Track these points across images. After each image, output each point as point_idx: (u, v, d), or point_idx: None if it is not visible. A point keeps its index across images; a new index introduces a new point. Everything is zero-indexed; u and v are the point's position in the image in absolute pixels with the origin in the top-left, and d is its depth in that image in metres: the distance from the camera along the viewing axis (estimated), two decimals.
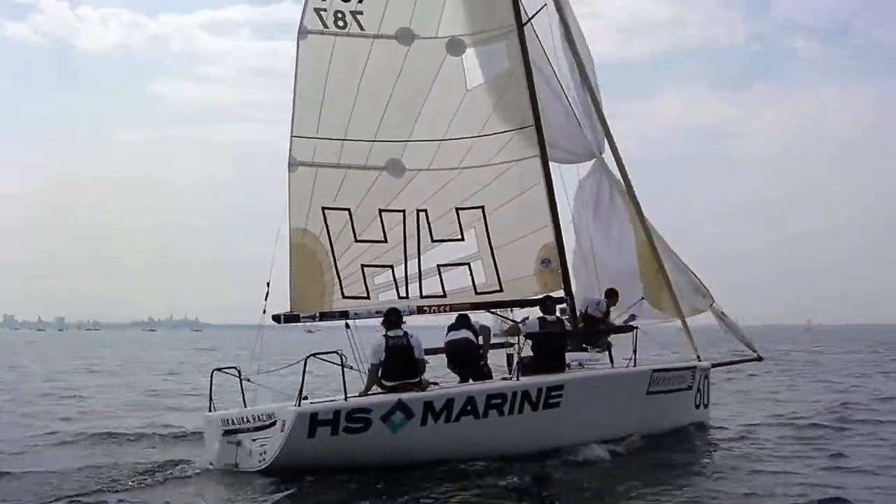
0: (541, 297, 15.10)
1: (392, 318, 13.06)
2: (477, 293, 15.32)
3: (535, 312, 14.96)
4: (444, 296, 15.11)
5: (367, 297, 14.65)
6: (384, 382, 12.71)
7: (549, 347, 14.17)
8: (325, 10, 15.05)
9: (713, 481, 12.25)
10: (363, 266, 14.73)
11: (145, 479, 12.02)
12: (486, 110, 15.70)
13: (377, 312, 14.07)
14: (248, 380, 13.52)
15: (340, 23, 15.13)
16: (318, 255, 14.45)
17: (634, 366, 14.73)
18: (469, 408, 12.54)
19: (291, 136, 14.63)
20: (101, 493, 11.35)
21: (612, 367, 15.01)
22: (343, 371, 12.05)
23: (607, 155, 17.00)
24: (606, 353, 15.77)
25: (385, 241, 14.92)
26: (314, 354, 12.06)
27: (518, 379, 13.21)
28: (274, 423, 12.31)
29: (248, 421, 13.01)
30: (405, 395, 12.28)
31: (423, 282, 15.02)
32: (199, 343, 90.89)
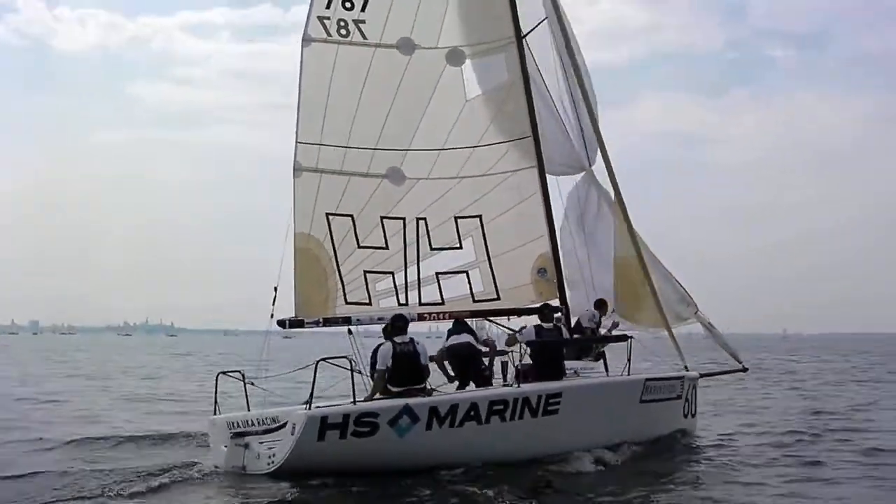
0: (539, 305, 15.33)
1: (399, 324, 13.23)
2: (474, 301, 15.55)
3: (533, 321, 15.19)
4: (443, 303, 15.33)
5: (369, 304, 14.84)
6: (390, 388, 12.86)
7: (547, 355, 14.43)
8: (328, 18, 15.24)
9: (692, 490, 12.43)
10: (365, 272, 14.92)
11: (153, 482, 12.01)
12: (484, 121, 15.95)
13: (379, 319, 14.26)
14: (252, 383, 13.62)
15: (343, 31, 15.33)
16: (321, 261, 14.62)
17: (629, 374, 15.00)
18: (472, 413, 12.75)
19: (296, 143, 14.82)
20: (109, 495, 11.39)
21: (608, 375, 15.27)
22: (352, 375, 12.17)
23: (598, 167, 17.31)
24: (600, 361, 16.09)
25: (386, 247, 15.12)
26: (324, 359, 12.20)
27: (519, 386, 13.43)
28: (281, 427, 12.42)
29: (254, 424, 13.10)
30: (412, 400, 12.46)
31: (422, 289, 15.24)
32: (175, 348, 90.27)
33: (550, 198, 16.21)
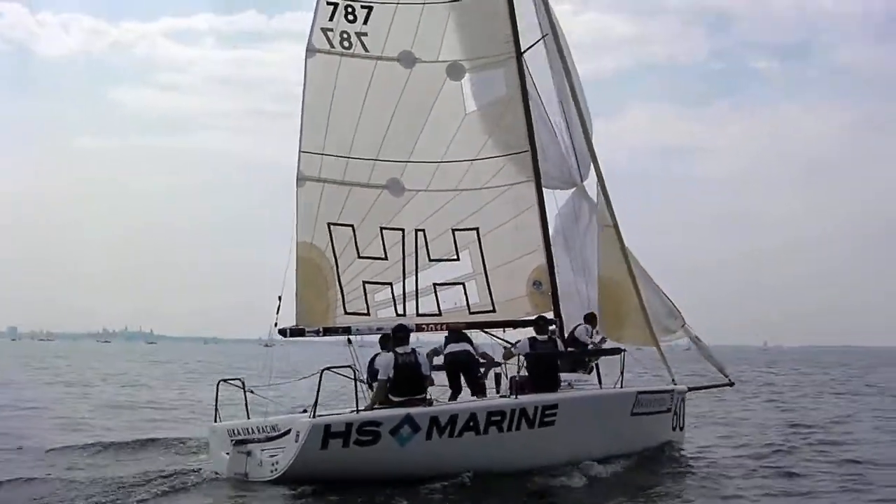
0: (534, 317, 15.54)
1: (400, 334, 13.39)
2: (471, 313, 15.73)
3: (528, 333, 15.37)
4: (440, 314, 15.49)
5: (368, 314, 15.01)
6: (391, 398, 13.01)
7: (542, 367, 14.64)
8: (331, 30, 15.44)
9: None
10: (364, 282, 15.08)
11: (155, 489, 12.12)
12: (482, 135, 16.15)
13: (378, 329, 14.42)
14: (252, 391, 13.74)
15: (346, 43, 15.53)
16: (323, 270, 14.79)
17: (622, 387, 15.23)
18: (471, 423, 12.91)
19: (299, 152, 15.02)
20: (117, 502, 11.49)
21: (601, 387, 15.50)
22: (356, 384, 12.33)
23: (589, 183, 17.55)
24: (591, 374, 16.29)
25: (385, 258, 15.29)
26: (329, 368, 12.35)
27: (517, 397, 13.62)
28: (284, 435, 12.54)
29: (254, 432, 13.21)
30: (413, 410, 12.62)
31: (419, 300, 15.41)
32: (154, 356, 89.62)
33: (547, 211, 16.43)
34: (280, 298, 14.10)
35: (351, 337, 14.80)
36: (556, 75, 17.03)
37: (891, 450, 17.75)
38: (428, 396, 13.23)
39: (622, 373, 15.21)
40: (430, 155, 15.85)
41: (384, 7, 15.75)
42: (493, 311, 15.86)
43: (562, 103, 17.25)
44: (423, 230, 15.62)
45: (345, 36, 15.50)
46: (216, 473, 13.17)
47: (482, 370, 14.79)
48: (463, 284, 15.79)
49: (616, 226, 16.64)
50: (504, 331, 15.97)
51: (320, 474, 12.08)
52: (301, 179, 14.96)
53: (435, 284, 15.57)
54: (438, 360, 14.72)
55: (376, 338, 14.80)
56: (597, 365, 16.28)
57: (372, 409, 12.90)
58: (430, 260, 15.61)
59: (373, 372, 13.74)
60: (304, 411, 14.53)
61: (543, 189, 16.45)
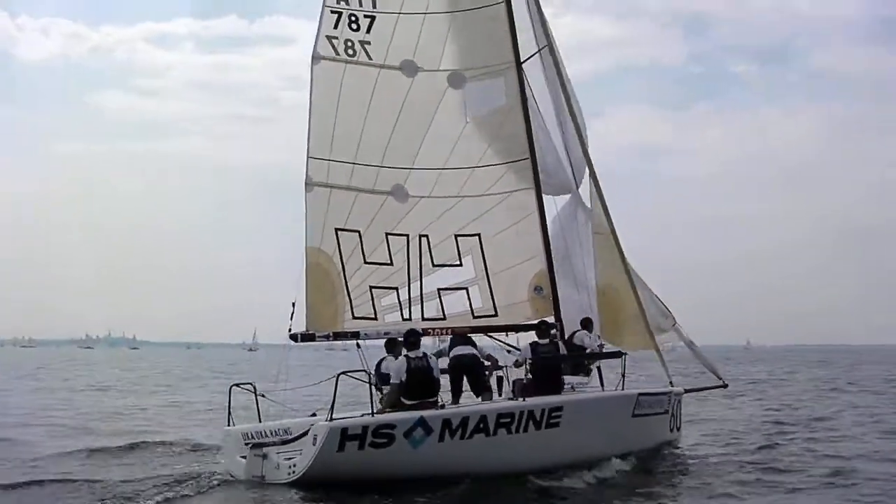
0: (536, 321, 15.82)
1: (412, 339, 13.59)
2: (474, 317, 15.98)
3: (531, 336, 15.68)
4: (444, 318, 15.73)
5: (375, 319, 15.21)
6: (404, 401, 13.21)
7: (546, 371, 14.94)
8: (336, 38, 15.67)
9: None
10: (371, 287, 15.29)
11: (172, 492, 12.22)
12: (483, 143, 16.42)
13: (386, 333, 14.64)
14: (263, 395, 13.92)
15: (350, 51, 15.75)
16: (331, 276, 14.97)
17: (623, 389, 15.54)
18: (481, 426, 13.14)
19: (307, 157, 15.22)
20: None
21: (603, 390, 15.81)
22: (371, 388, 12.53)
23: (584, 189, 17.86)
24: (589, 377, 16.58)
25: (391, 263, 15.51)
26: (344, 373, 12.55)
27: (524, 400, 13.88)
28: (298, 438, 12.71)
29: (267, 435, 13.36)
30: (426, 413, 12.82)
31: (424, 305, 15.64)
32: (138, 361, 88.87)
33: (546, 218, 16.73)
34: (294, 304, 14.29)
35: (353, 341, 14.96)
36: (551, 85, 17.34)
37: (874, 445, 18.17)
38: (440, 400, 13.46)
39: (623, 375, 15.53)
40: (433, 162, 16.10)
41: (386, 17, 16.00)
42: (496, 315, 16.12)
43: (557, 112, 17.57)
44: (427, 236, 15.86)
45: (349, 44, 15.73)
46: (231, 476, 13.32)
47: (487, 373, 15.07)
48: (466, 289, 16.04)
49: (613, 232, 16.95)
50: (507, 335, 16.23)
51: (336, 476, 12.23)
52: (309, 185, 15.16)
53: (439, 289, 15.81)
54: (441, 362, 14.97)
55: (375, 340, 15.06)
56: (598, 368, 16.57)
57: (384, 412, 13.11)
58: (434, 265, 15.86)
59: (380, 376, 13.96)
60: (314, 415, 14.76)
61: (545, 195, 16.76)
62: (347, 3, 15.75)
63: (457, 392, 14.81)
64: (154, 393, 36.37)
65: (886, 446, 17.90)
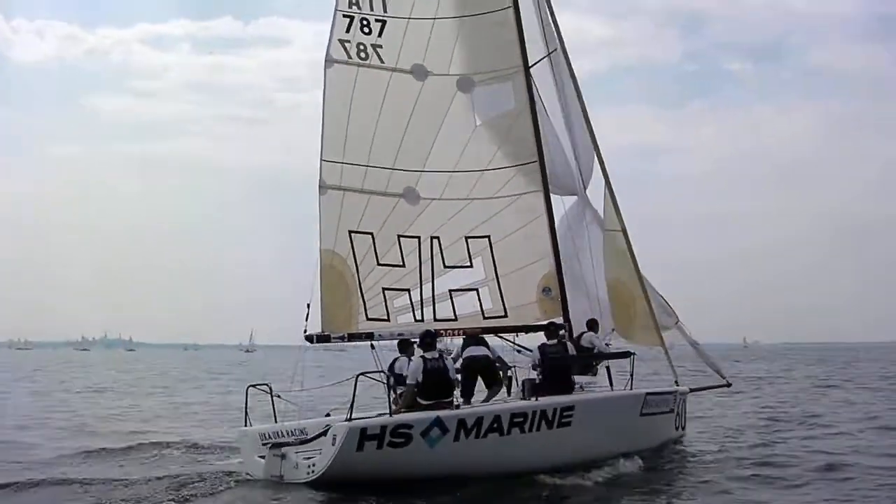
0: (545, 322, 16.05)
1: (428, 340, 13.80)
2: (484, 318, 16.20)
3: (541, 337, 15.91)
4: (456, 319, 15.94)
5: (388, 320, 15.43)
6: (420, 401, 13.41)
7: (557, 371, 15.17)
8: (348, 41, 15.87)
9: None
10: (384, 289, 15.51)
11: (197, 489, 12.44)
12: (492, 146, 16.63)
13: (399, 335, 14.85)
14: (279, 396, 14.11)
15: (362, 54, 15.95)
16: (345, 278, 15.18)
17: (632, 389, 15.78)
18: (496, 425, 13.35)
19: (321, 160, 15.41)
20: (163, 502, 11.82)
21: (612, 389, 16.05)
22: (388, 389, 12.74)
23: (592, 191, 18.10)
24: (595, 377, 16.82)
25: (403, 265, 15.72)
26: (364, 373, 12.74)
27: (537, 399, 14.11)
28: (317, 438, 12.91)
29: (283, 435, 13.55)
30: (442, 413, 13.02)
31: (436, 306, 15.85)
32: (134, 363, 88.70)
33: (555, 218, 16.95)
34: (308, 306, 14.49)
35: (361, 342, 15.19)
36: (560, 88, 17.54)
37: (869, 441, 18.45)
38: (456, 400, 13.67)
39: (632, 375, 15.76)
40: (443, 164, 16.32)
41: (397, 21, 16.20)
42: (506, 316, 16.34)
43: (566, 114, 17.76)
44: (438, 238, 16.07)
45: (361, 47, 15.93)
46: (248, 474, 13.52)
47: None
48: (477, 290, 16.27)
49: (624, 230, 17.18)
50: (517, 335, 16.44)
51: (355, 476, 12.43)
52: (323, 187, 15.37)
53: (450, 290, 16.03)
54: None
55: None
56: (608, 368, 16.80)
57: (400, 412, 13.31)
58: (445, 267, 16.08)
59: (394, 376, 14.14)
60: (328, 415, 14.97)
61: (553, 196, 16.98)
62: (359, 8, 15.95)
63: (468, 393, 15.03)
64: (150, 394, 36.46)
65: (881, 441, 18.22)
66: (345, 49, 15.83)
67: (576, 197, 17.90)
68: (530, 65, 16.94)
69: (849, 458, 16.00)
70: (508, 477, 13.24)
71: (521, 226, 16.67)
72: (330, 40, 15.79)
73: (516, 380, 15.58)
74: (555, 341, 15.71)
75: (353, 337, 15.11)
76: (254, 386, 14.23)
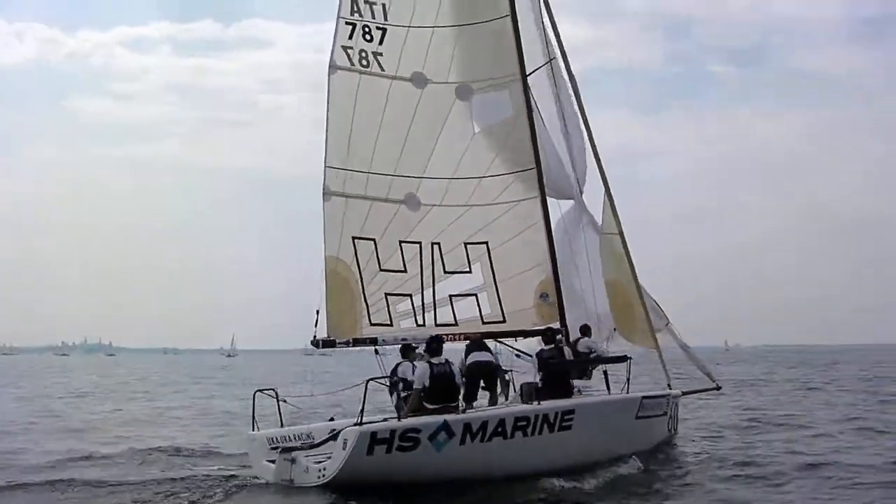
0: (543, 328, 16.30)
1: (434, 345, 13.98)
2: (483, 323, 16.43)
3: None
4: (456, 324, 16.16)
5: (391, 325, 15.62)
6: (426, 405, 13.59)
7: (556, 375, 15.43)
8: (351, 48, 16.06)
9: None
10: (387, 294, 15.70)
11: (209, 492, 12.57)
12: (490, 153, 16.88)
13: (403, 339, 15.05)
14: (285, 400, 14.26)
15: (364, 62, 16.15)
16: (350, 283, 15.35)
17: (628, 393, 16.06)
18: (500, 429, 13.56)
19: (325, 167, 15.60)
20: None
21: (609, 393, 16.32)
22: (399, 394, 12.93)
23: (587, 195, 18.37)
24: (590, 380, 17.09)
25: (405, 270, 15.93)
26: (373, 379, 12.93)
27: (539, 403, 14.34)
28: (326, 442, 13.07)
29: (291, 440, 13.70)
30: (449, 417, 13.20)
31: (437, 311, 16.08)
32: (115, 368, 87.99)
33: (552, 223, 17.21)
34: (318, 312, 14.64)
35: (370, 348, 15.36)
36: (561, 94, 17.78)
37: (850, 441, 18.78)
38: (461, 405, 13.88)
39: (628, 379, 16.03)
40: (443, 171, 16.55)
41: (397, 29, 16.42)
42: (504, 321, 16.59)
43: (564, 121, 18.00)
44: (439, 243, 16.31)
45: (363, 55, 16.13)
46: (255, 478, 13.67)
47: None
48: (476, 296, 16.51)
49: (621, 233, 17.49)
50: (516, 340, 16.69)
51: (364, 479, 12.58)
52: (327, 194, 15.55)
53: (451, 296, 16.25)
54: None
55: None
56: (605, 372, 17.06)
57: (406, 416, 13.49)
58: (446, 272, 16.30)
59: (396, 380, 14.34)
60: (332, 419, 15.14)
61: (551, 199, 17.25)
62: (361, 15, 16.15)
63: (471, 397, 15.23)
64: (132, 399, 36.37)
65: (860, 442, 18.54)
66: (347, 56, 16.03)
67: (572, 201, 18.15)
68: (529, 72, 17.20)
69: (828, 457, 16.30)
70: (510, 480, 13.44)
71: (519, 232, 16.93)
72: (333, 47, 15.98)
73: (513, 384, 15.84)
74: (551, 346, 15.98)
75: (357, 342, 15.28)
76: (261, 391, 14.36)
